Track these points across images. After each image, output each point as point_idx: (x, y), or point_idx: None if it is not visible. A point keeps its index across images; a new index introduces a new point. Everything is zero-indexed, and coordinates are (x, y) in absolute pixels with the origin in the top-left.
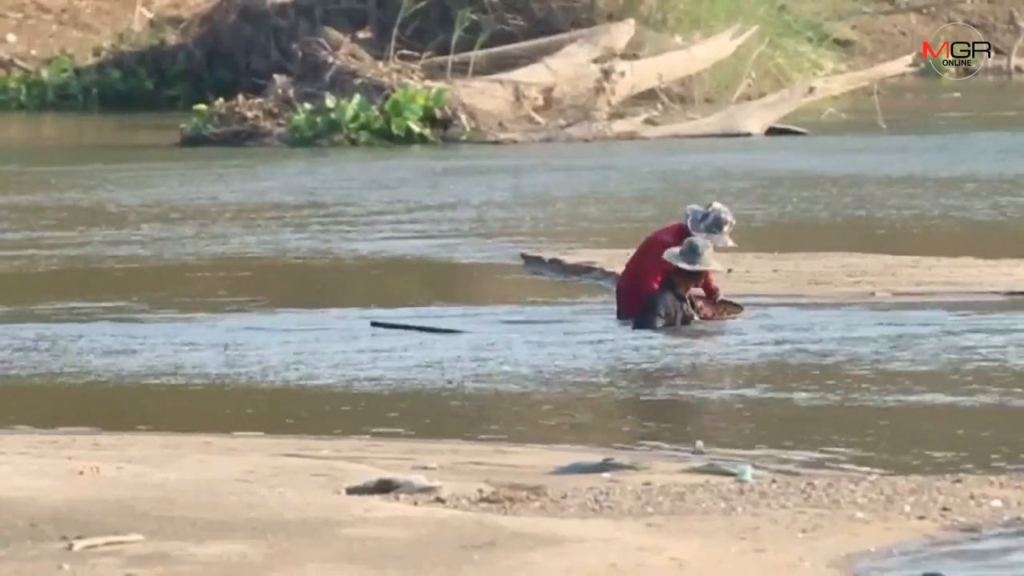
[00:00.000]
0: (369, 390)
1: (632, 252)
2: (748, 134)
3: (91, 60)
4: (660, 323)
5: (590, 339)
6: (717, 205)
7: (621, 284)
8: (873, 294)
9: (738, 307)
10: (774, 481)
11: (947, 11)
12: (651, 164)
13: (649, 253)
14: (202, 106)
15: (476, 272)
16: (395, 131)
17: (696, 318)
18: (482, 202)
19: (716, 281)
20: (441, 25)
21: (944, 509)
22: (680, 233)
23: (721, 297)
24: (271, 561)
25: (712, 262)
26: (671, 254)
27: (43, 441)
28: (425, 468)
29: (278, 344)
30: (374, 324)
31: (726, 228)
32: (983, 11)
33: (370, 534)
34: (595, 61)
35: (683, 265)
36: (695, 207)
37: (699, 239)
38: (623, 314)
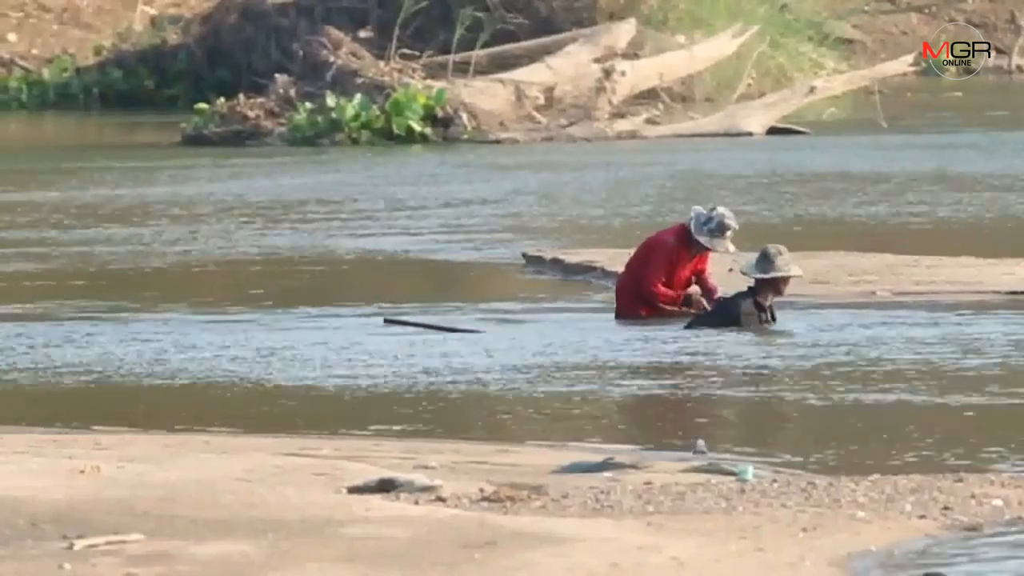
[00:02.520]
0: (370, 389)
1: (632, 252)
2: (749, 133)
3: (92, 59)
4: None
5: (590, 339)
6: (721, 209)
7: (621, 284)
8: (874, 293)
9: None
10: (775, 480)
11: (948, 11)
12: (652, 164)
13: (652, 254)
14: (203, 105)
15: (477, 271)
16: (396, 130)
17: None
18: (483, 201)
19: (713, 280)
20: (442, 24)
21: (945, 508)
22: (682, 234)
23: (719, 295)
24: (271, 560)
25: (789, 267)
26: (748, 266)
27: (44, 440)
28: (426, 467)
29: (279, 343)
30: (387, 321)
31: (728, 233)
32: (983, 11)
33: (371, 533)
34: (596, 60)
35: (758, 275)
36: (699, 209)
37: (771, 246)
38: (623, 314)
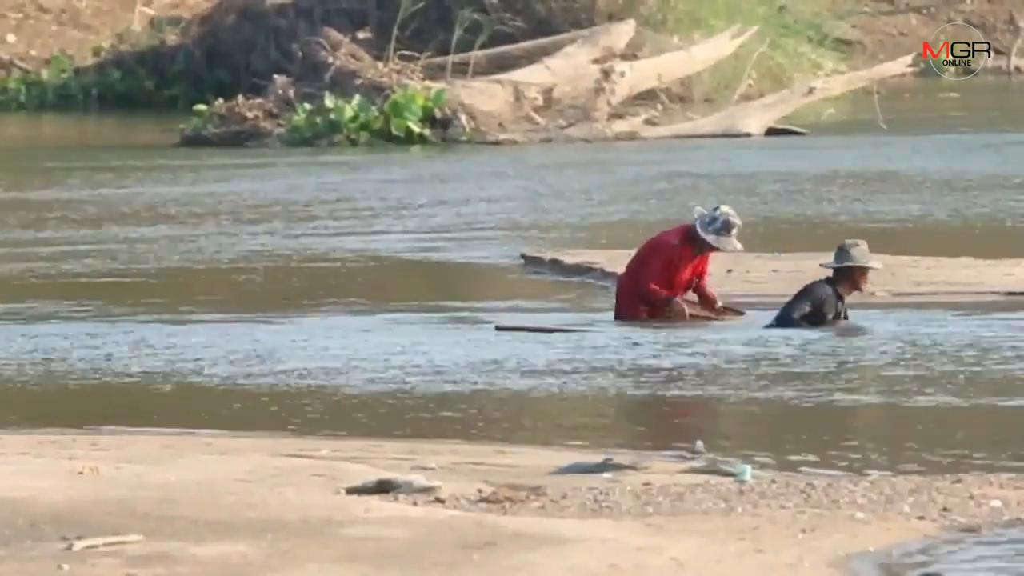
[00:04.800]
0: (368, 390)
1: (633, 253)
2: (748, 134)
3: (91, 60)
4: (805, 309)
5: (589, 339)
6: (724, 208)
7: (622, 285)
8: (873, 294)
9: (739, 313)
10: (774, 481)
11: (947, 11)
12: (651, 164)
13: (652, 254)
14: (202, 106)
15: (475, 272)
16: (395, 131)
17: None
18: (481, 202)
19: (711, 288)
20: (441, 25)
21: (944, 509)
22: (686, 235)
23: (720, 304)
24: (271, 561)
25: (866, 259)
26: (827, 264)
27: (43, 441)
28: (424, 468)
29: (277, 344)
30: (498, 329)
31: (734, 231)
32: (983, 11)
33: (370, 534)
34: (595, 61)
35: (834, 265)
36: (701, 209)
37: (848, 240)
38: (622, 315)
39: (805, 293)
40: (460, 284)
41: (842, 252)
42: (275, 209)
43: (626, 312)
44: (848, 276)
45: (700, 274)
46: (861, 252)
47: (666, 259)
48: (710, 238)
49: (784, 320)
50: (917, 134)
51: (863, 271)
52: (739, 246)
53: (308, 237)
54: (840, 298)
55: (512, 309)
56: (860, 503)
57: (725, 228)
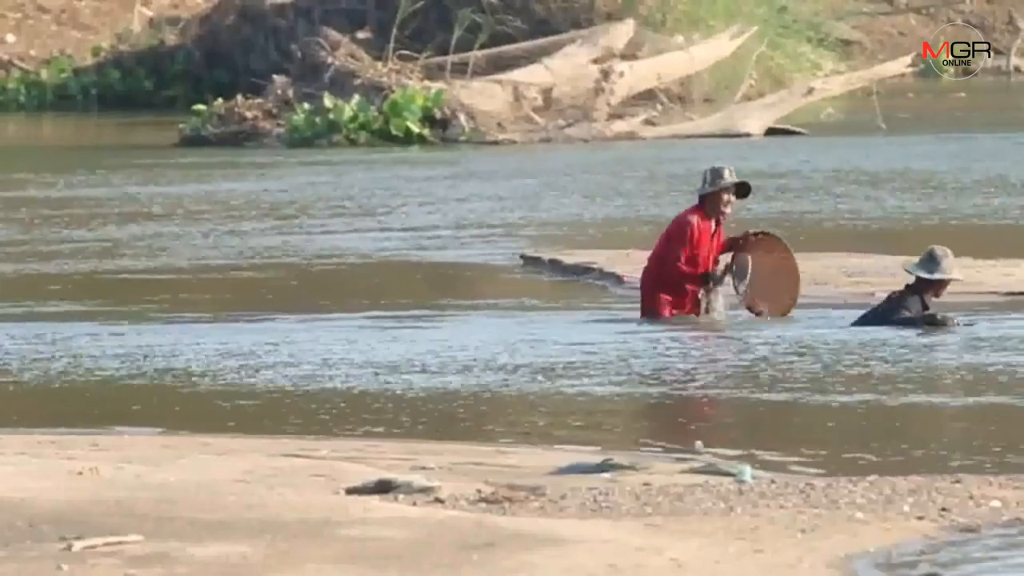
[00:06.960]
0: (367, 390)
1: (647, 251)
2: (747, 134)
3: (90, 60)
4: (905, 314)
5: (589, 339)
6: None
7: (645, 279)
8: (873, 295)
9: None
10: (773, 481)
11: (947, 11)
12: (650, 165)
13: (677, 236)
14: (201, 106)
15: (474, 272)
16: (394, 131)
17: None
18: (480, 202)
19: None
20: (440, 25)
21: (943, 509)
22: (699, 208)
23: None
24: (270, 561)
25: (952, 271)
26: (911, 265)
27: (43, 441)
28: (424, 468)
29: (277, 344)
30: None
31: (727, 173)
32: (982, 11)
33: (369, 534)
34: (594, 61)
35: (923, 274)
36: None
37: (937, 248)
38: (647, 312)
39: (899, 304)
40: (458, 284)
41: (932, 261)
42: (274, 209)
43: (650, 308)
44: (932, 286)
45: (717, 256)
46: (949, 264)
47: (686, 235)
48: (714, 187)
49: (885, 319)
50: (916, 134)
51: (946, 283)
52: (735, 179)
53: (307, 237)
54: (926, 307)
55: (511, 310)
56: (859, 503)
57: (717, 176)
